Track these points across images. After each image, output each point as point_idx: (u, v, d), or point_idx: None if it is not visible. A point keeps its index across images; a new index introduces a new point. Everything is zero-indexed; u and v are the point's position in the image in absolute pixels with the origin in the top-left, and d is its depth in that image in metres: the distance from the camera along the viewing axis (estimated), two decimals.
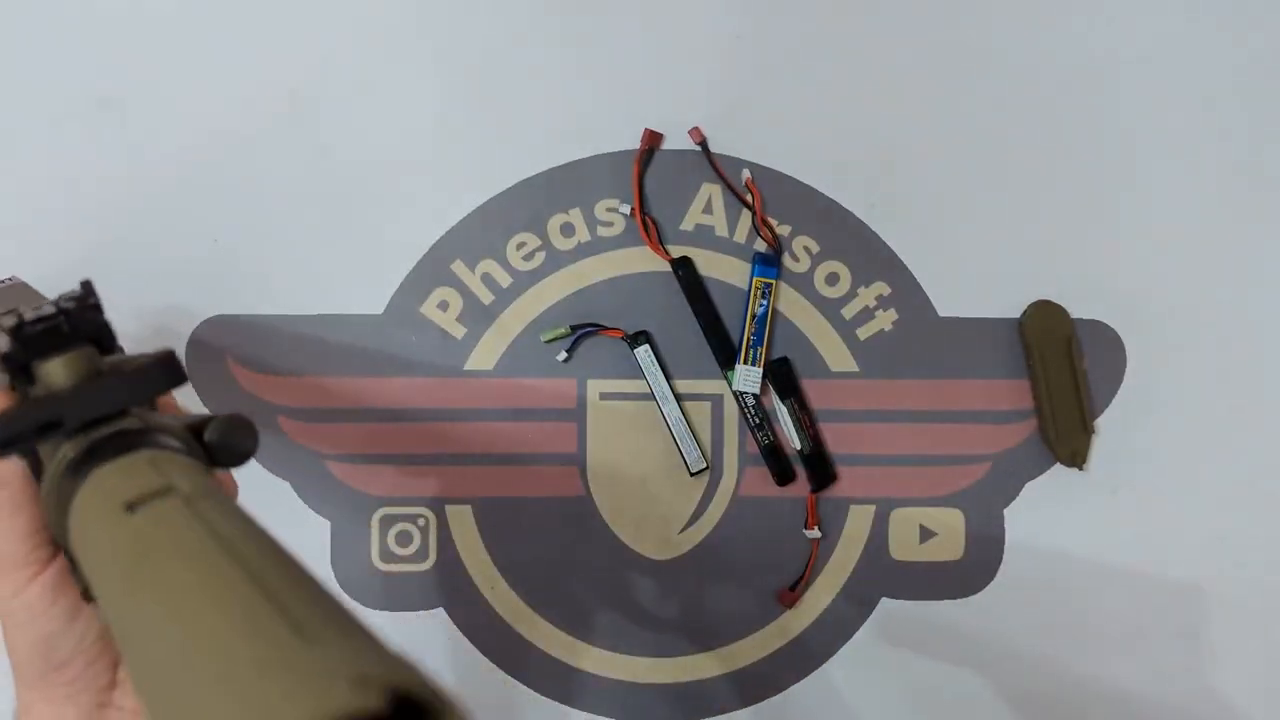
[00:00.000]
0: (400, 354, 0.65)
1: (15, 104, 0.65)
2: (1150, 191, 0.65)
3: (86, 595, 0.39)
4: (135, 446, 0.32)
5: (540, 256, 0.65)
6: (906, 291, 0.65)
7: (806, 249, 0.65)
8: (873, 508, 0.66)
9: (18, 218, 0.65)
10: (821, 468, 0.65)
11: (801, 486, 0.65)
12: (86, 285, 0.37)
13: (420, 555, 0.65)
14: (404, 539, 0.65)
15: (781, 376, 0.64)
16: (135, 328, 0.65)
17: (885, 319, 0.65)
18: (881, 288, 0.65)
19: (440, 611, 0.65)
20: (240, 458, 0.34)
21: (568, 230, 0.65)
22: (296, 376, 0.65)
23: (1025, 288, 0.65)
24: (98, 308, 0.37)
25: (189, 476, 0.30)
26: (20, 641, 0.40)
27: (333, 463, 0.65)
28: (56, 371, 0.34)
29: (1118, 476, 0.65)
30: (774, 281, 0.64)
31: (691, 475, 0.65)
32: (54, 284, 0.64)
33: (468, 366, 0.65)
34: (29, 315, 0.35)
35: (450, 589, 0.65)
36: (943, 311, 0.65)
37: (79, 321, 0.36)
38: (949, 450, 0.65)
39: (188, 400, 0.64)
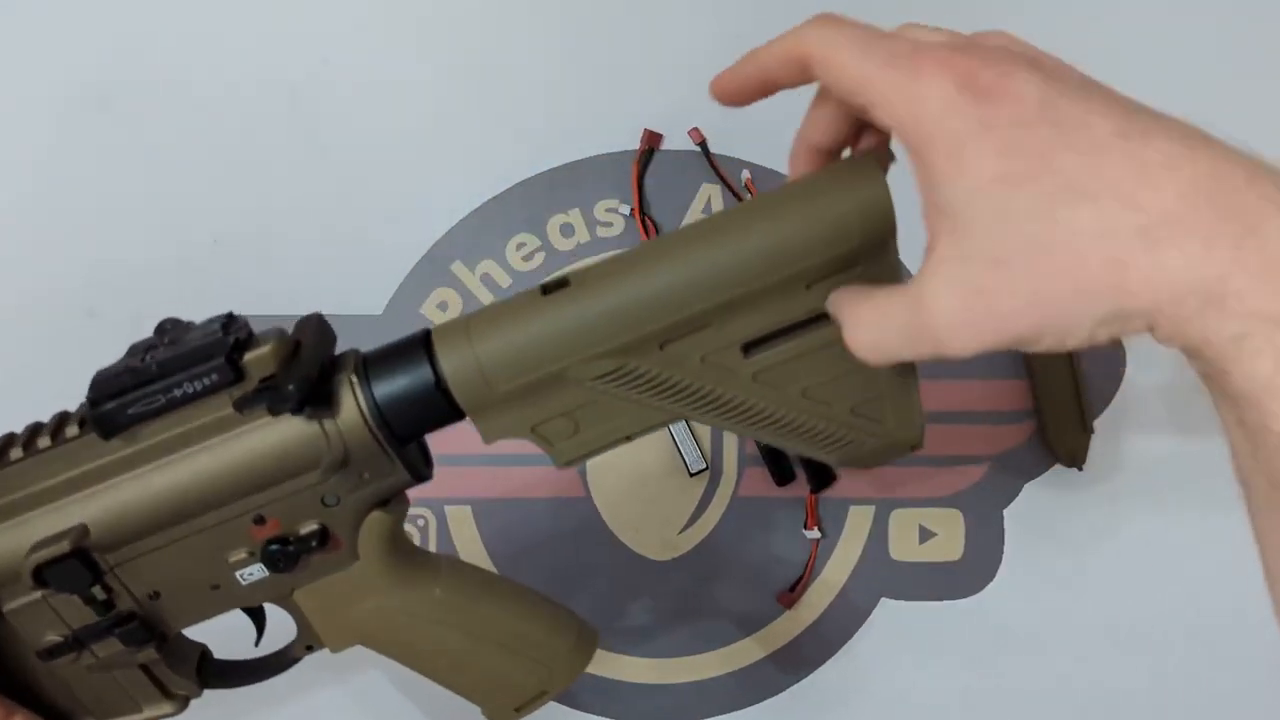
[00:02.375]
0: None
1: (15, 104, 0.65)
2: None
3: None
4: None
5: (540, 257, 0.65)
6: None
7: None
8: (872, 508, 0.65)
9: (18, 218, 0.65)
10: (821, 468, 0.65)
11: (801, 487, 0.65)
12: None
13: None
14: None
15: None
16: (135, 329, 0.65)
17: None
18: None
19: None
20: None
21: (567, 231, 0.65)
22: None
23: None
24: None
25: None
26: None
27: None
28: (265, 355, 0.38)
29: (1118, 476, 0.65)
30: None
31: (691, 476, 0.65)
32: (54, 284, 0.64)
33: None
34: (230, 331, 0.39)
35: None
36: None
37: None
38: (948, 451, 0.65)
39: None
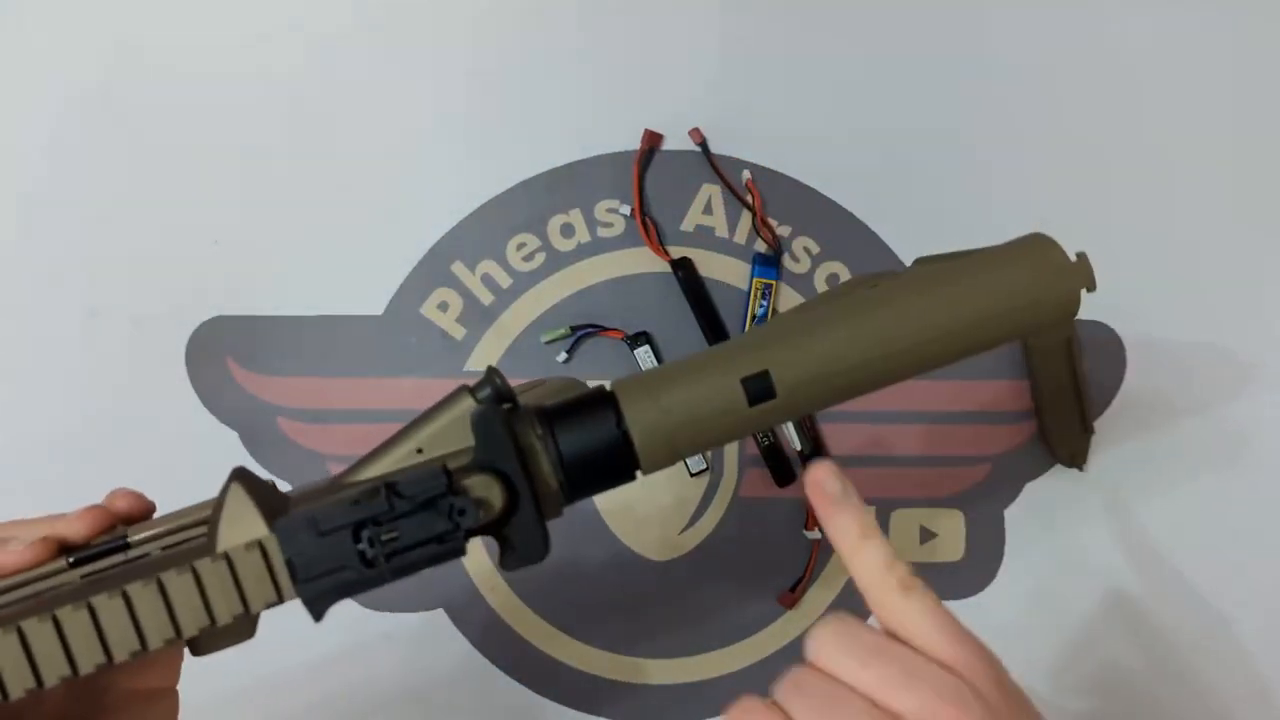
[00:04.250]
0: (400, 355, 0.65)
1: (15, 104, 0.65)
2: (1150, 191, 0.65)
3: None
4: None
5: (540, 257, 0.65)
6: None
7: (806, 250, 0.65)
8: (873, 509, 0.65)
9: (18, 218, 0.65)
10: None
11: (801, 487, 0.65)
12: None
13: None
14: None
15: None
16: (135, 329, 0.65)
17: None
18: None
19: (440, 612, 0.65)
20: None
21: (568, 231, 0.65)
22: (296, 377, 0.65)
23: None
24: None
25: None
26: None
27: (333, 464, 0.65)
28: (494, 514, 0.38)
29: (1118, 476, 0.65)
30: (774, 282, 0.64)
31: (691, 476, 0.65)
32: (54, 284, 0.64)
33: (468, 367, 0.65)
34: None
35: (450, 590, 0.65)
36: None
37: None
38: (949, 451, 0.65)
39: (188, 402, 0.64)
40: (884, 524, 0.66)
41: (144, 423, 0.64)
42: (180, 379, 0.64)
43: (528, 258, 0.65)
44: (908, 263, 0.65)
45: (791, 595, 0.65)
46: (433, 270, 0.65)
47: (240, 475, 0.37)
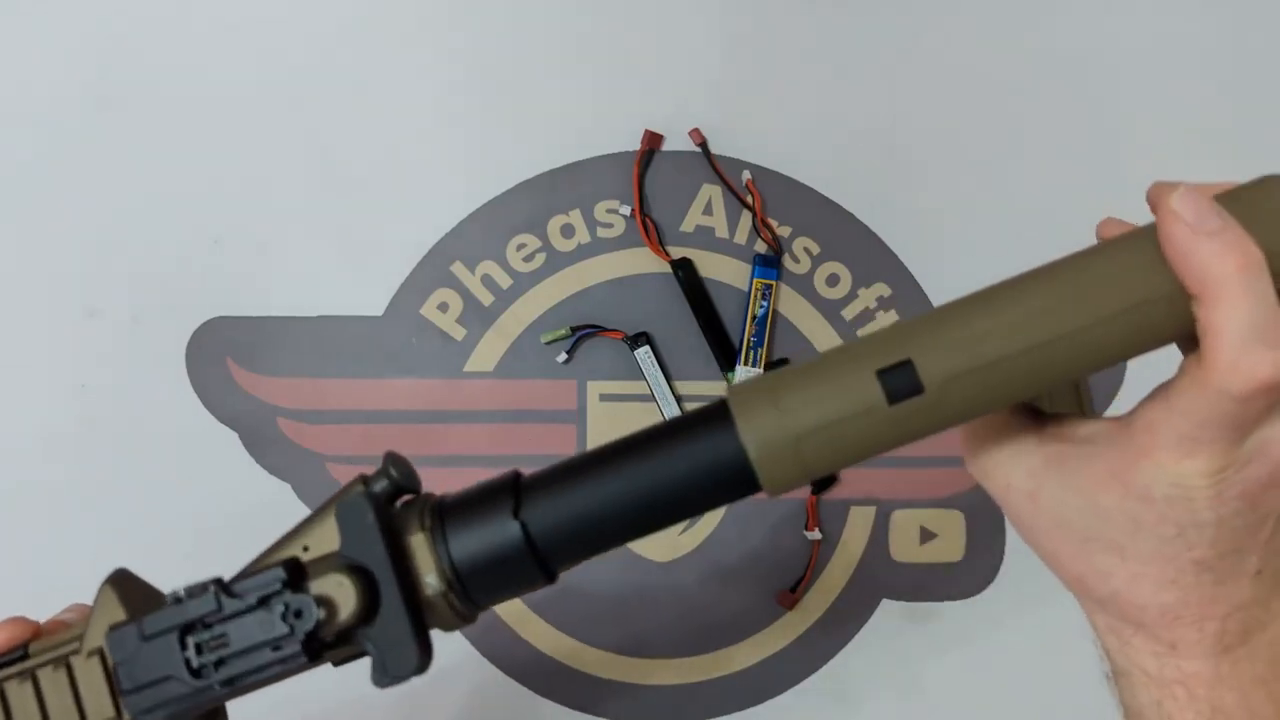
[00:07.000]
0: (400, 355, 0.65)
1: (16, 104, 0.65)
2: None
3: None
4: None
5: (540, 258, 0.65)
6: (906, 292, 0.65)
7: (807, 250, 0.65)
8: (873, 509, 0.65)
9: (18, 218, 0.65)
10: None
11: (802, 488, 0.65)
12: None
13: None
14: None
15: None
16: (135, 329, 0.65)
17: (885, 320, 0.65)
18: (881, 288, 0.65)
19: None
20: None
21: (568, 231, 0.65)
22: (296, 378, 0.65)
23: None
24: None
25: None
26: None
27: (333, 464, 0.65)
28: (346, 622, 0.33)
29: None
30: (774, 283, 0.64)
31: None
32: (53, 284, 0.64)
33: (467, 368, 0.65)
34: None
35: None
36: None
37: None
38: (950, 451, 0.65)
39: (188, 402, 0.64)
40: (884, 524, 0.66)
41: (144, 423, 0.64)
42: (180, 379, 0.64)
43: (528, 258, 0.65)
44: (908, 263, 0.65)
45: (791, 595, 0.65)
46: (433, 270, 0.65)
47: (115, 578, 0.34)
